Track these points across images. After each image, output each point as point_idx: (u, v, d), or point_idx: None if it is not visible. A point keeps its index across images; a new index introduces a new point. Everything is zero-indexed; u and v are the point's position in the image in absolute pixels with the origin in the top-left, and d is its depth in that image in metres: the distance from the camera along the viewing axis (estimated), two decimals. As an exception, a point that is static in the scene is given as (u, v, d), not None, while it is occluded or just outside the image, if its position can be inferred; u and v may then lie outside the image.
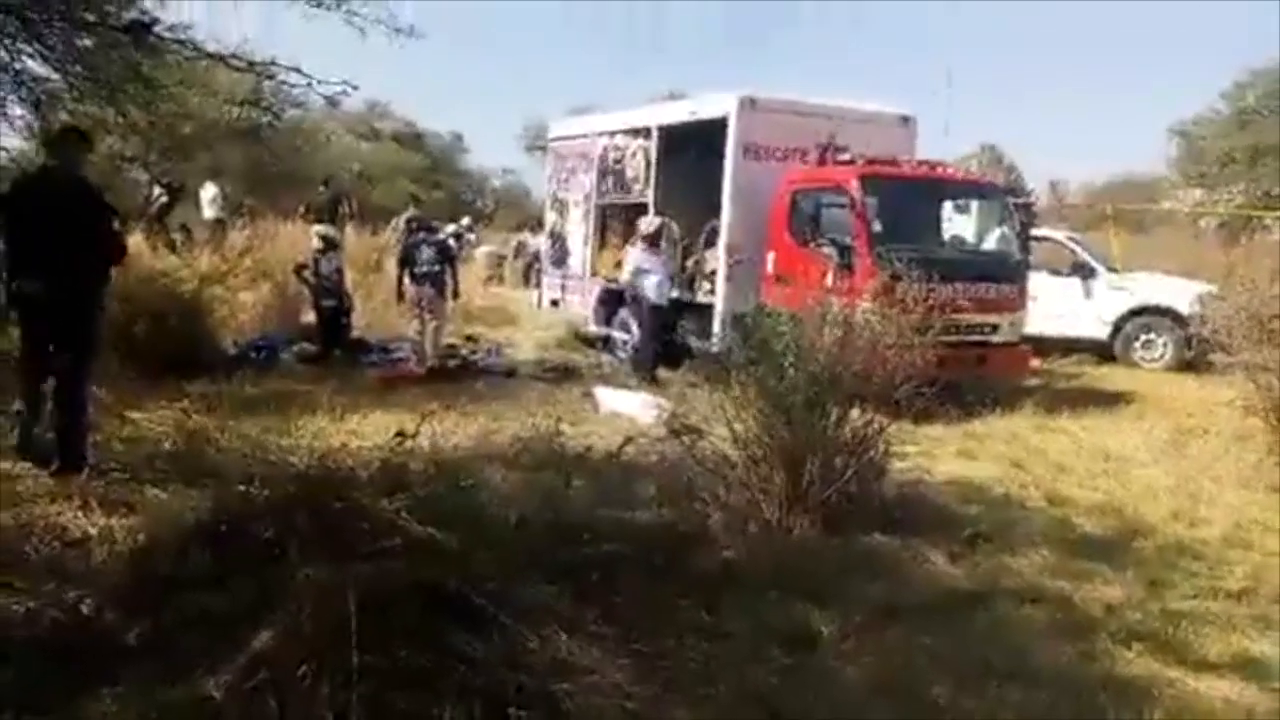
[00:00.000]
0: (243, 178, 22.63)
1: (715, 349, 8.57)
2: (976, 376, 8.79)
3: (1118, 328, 12.89)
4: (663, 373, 9.82)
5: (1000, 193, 11.77)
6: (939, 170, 10.54)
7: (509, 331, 12.65)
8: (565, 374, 10.11)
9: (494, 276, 19.42)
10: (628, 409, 8.07)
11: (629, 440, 5.17)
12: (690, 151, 10.78)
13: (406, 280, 10.25)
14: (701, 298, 10.60)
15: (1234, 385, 7.98)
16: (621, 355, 10.97)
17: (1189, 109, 29.26)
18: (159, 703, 2.91)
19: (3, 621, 3.51)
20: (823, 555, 4.82)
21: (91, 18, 6.26)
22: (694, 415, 5.77)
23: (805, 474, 5.14)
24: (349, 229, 16.45)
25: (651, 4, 61.49)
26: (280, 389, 8.47)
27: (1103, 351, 12.88)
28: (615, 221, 12.29)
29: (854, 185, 9.22)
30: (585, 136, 12.90)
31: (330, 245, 10.91)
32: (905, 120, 10.93)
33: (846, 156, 9.76)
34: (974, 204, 11.61)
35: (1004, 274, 9.72)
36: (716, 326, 9.83)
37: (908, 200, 9.63)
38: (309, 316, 10.92)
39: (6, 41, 6.58)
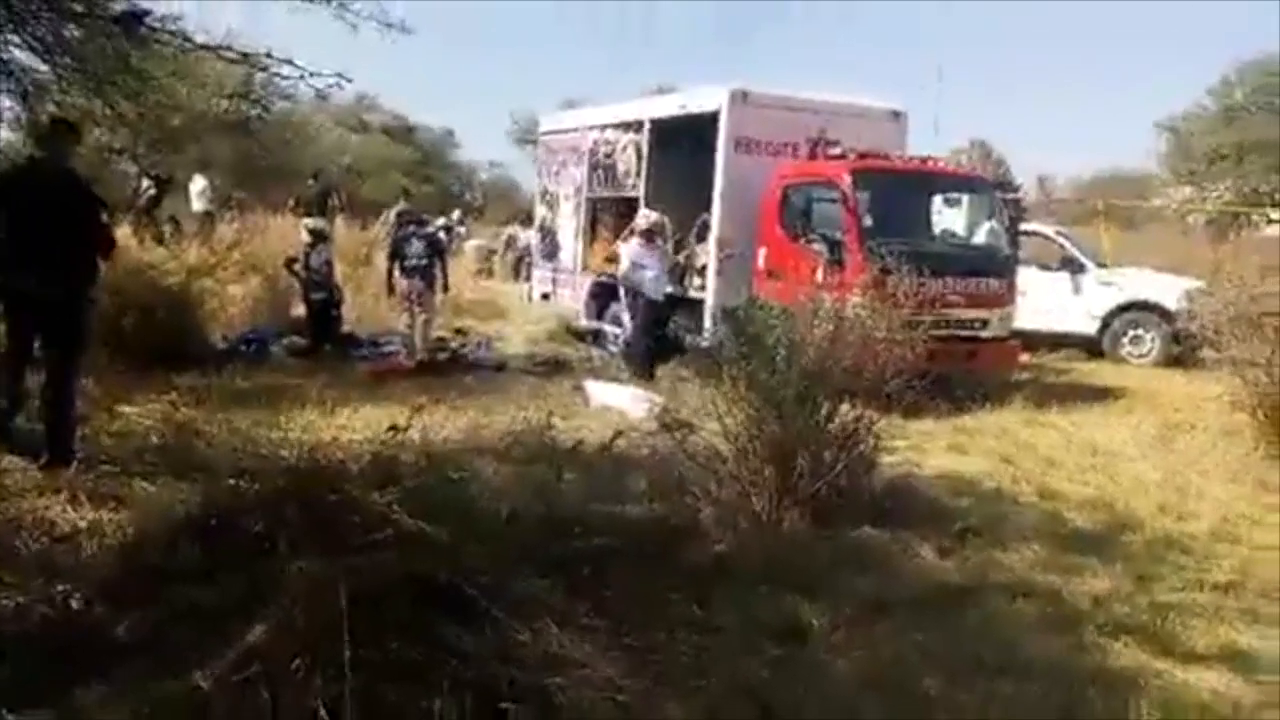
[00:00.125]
0: (232, 170, 22.52)
1: (706, 343, 8.57)
2: (966, 371, 8.83)
3: (1106, 323, 12.94)
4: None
5: (990, 187, 11.82)
6: (929, 165, 10.56)
7: (499, 325, 12.62)
8: (555, 368, 10.09)
9: (484, 270, 19.38)
10: (618, 403, 8.07)
11: (620, 434, 5.17)
12: (681, 145, 10.77)
13: (397, 273, 10.22)
14: (692, 292, 10.59)
15: (1221, 380, 8.02)
16: (613, 349, 10.96)
17: (1177, 105, 29.43)
18: (151, 697, 2.89)
19: (-8, 616, 3.49)
20: (813, 549, 4.83)
21: (80, 8, 6.20)
22: (685, 409, 5.78)
23: (796, 468, 5.15)
24: (338, 222, 16.40)
25: (642, 1, 61.33)
26: (270, 382, 8.44)
27: (1091, 347, 12.93)
28: (606, 215, 12.26)
29: (845, 180, 9.23)
30: (576, 130, 12.87)
31: (320, 238, 10.87)
32: (896, 115, 10.93)
33: (837, 151, 9.77)
34: (964, 199, 11.64)
35: (993, 269, 9.74)
36: (707, 321, 9.84)
37: (898, 195, 9.63)
38: (299, 310, 10.88)
39: (-7, 31, 6.53)
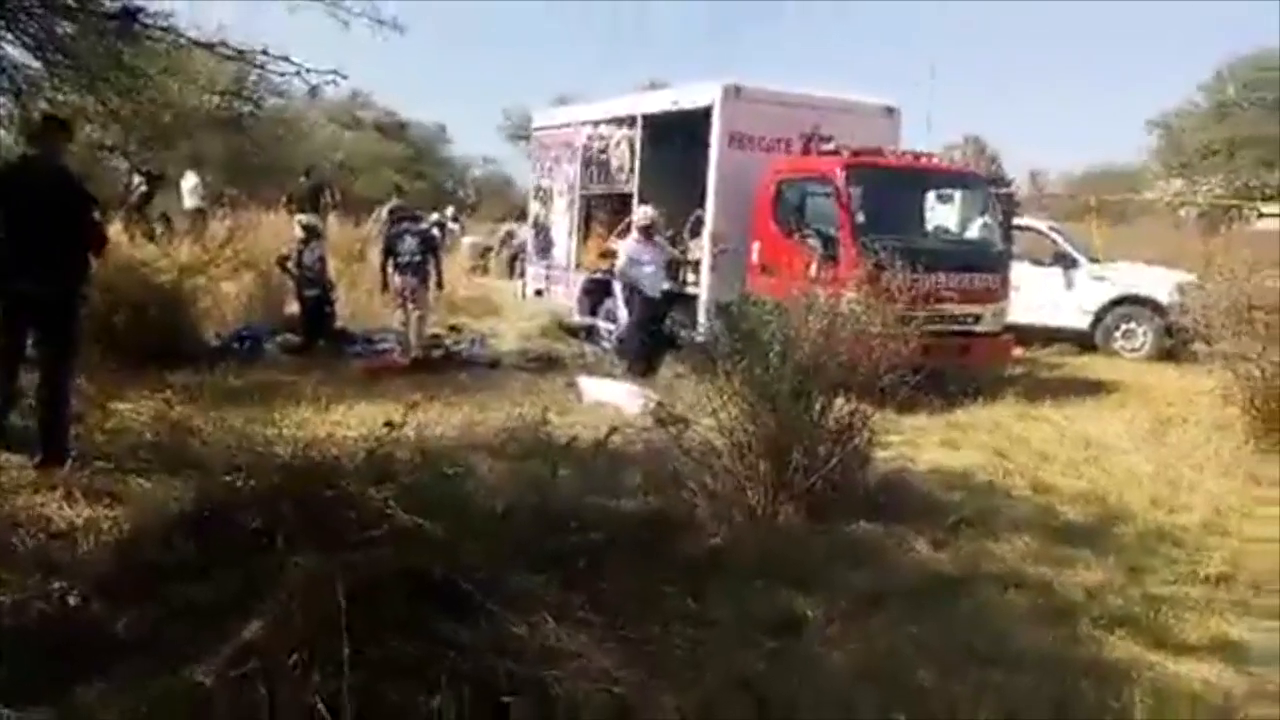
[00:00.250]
0: (223, 167, 22.49)
1: (700, 338, 8.58)
2: (960, 366, 8.85)
3: (1098, 317, 12.97)
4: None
5: (983, 183, 11.85)
6: (923, 160, 10.58)
7: (493, 322, 12.62)
8: (549, 364, 10.09)
9: (478, 267, 19.35)
10: (612, 399, 8.08)
11: (615, 429, 5.18)
12: (675, 141, 10.77)
13: (391, 270, 10.21)
14: (687, 288, 10.60)
15: (1213, 374, 8.07)
16: (606, 345, 10.97)
17: (1168, 102, 29.51)
18: (150, 694, 2.90)
19: (-11, 613, 3.50)
20: (808, 542, 4.86)
21: (73, 3, 6.18)
22: (680, 404, 5.79)
23: (790, 462, 5.17)
24: (331, 219, 16.37)
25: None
26: (264, 380, 8.43)
27: (1084, 341, 12.96)
28: (600, 211, 12.27)
29: (839, 175, 9.24)
30: (569, 126, 12.86)
31: (313, 235, 10.85)
32: (889, 111, 10.94)
33: (831, 146, 9.79)
34: (957, 194, 11.69)
35: (987, 264, 9.77)
36: (701, 316, 9.85)
37: (892, 190, 9.66)
38: (292, 307, 10.87)
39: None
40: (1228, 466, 6.88)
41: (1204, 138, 26.83)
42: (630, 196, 11.17)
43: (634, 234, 10.20)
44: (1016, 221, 11.47)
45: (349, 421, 6.66)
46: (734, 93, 10.05)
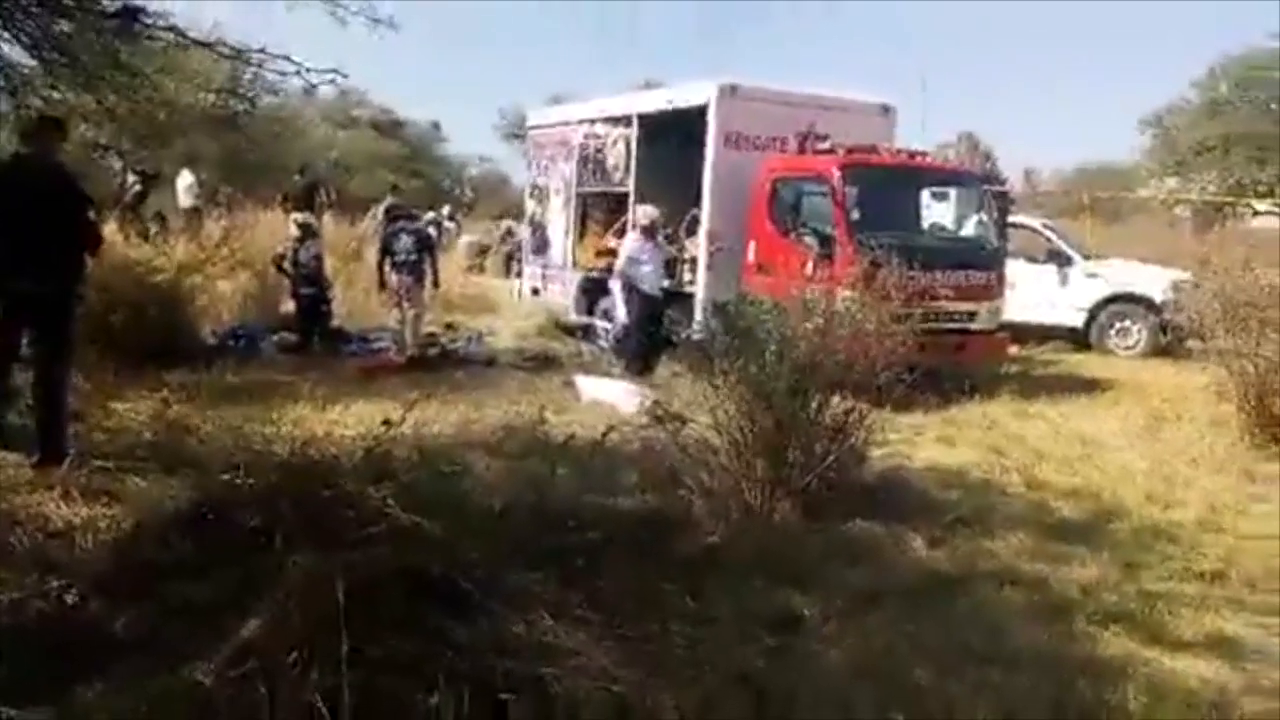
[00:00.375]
0: (219, 165, 22.44)
1: (697, 337, 8.59)
2: (956, 363, 8.86)
3: (1093, 315, 13.01)
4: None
5: (978, 181, 11.87)
6: (918, 159, 10.60)
7: (489, 320, 12.60)
8: (545, 363, 10.09)
9: (474, 266, 19.32)
10: (609, 397, 8.08)
11: (612, 428, 5.18)
12: (670, 140, 10.77)
13: (388, 269, 10.20)
14: (684, 287, 10.61)
15: (1208, 371, 8.10)
16: (603, 344, 10.97)
17: (1161, 100, 29.55)
18: (150, 693, 2.90)
19: (-12, 612, 3.49)
20: (805, 540, 4.87)
21: (71, 2, 6.16)
22: (676, 403, 5.80)
23: (787, 460, 5.19)
24: (327, 218, 16.34)
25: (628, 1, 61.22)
26: (260, 379, 8.43)
27: (1078, 338, 13.01)
28: (596, 210, 12.27)
29: (835, 174, 9.26)
30: (565, 125, 12.85)
31: (308, 233, 10.83)
32: (885, 109, 10.96)
33: (826, 145, 9.80)
34: (952, 192, 11.70)
35: (982, 261, 9.79)
36: (697, 314, 9.85)
37: (887, 189, 9.66)
38: (289, 306, 10.86)
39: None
40: (1222, 463, 6.92)
41: (1197, 135, 26.88)
42: (626, 195, 11.18)
43: (635, 233, 10.20)
44: (1011, 219, 11.49)
45: (346, 420, 6.66)
46: (729, 92, 10.06)
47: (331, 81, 6.31)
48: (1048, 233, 13.86)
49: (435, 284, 10.49)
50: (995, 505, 5.81)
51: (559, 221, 12.82)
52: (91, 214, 6.02)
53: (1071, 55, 63.04)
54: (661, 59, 60.02)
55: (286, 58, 6.02)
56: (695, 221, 10.49)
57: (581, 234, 12.41)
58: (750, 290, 8.00)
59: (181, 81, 11.50)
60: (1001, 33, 63.43)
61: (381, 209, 15.84)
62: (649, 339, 9.81)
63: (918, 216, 10.47)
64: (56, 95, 7.55)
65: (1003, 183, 15.68)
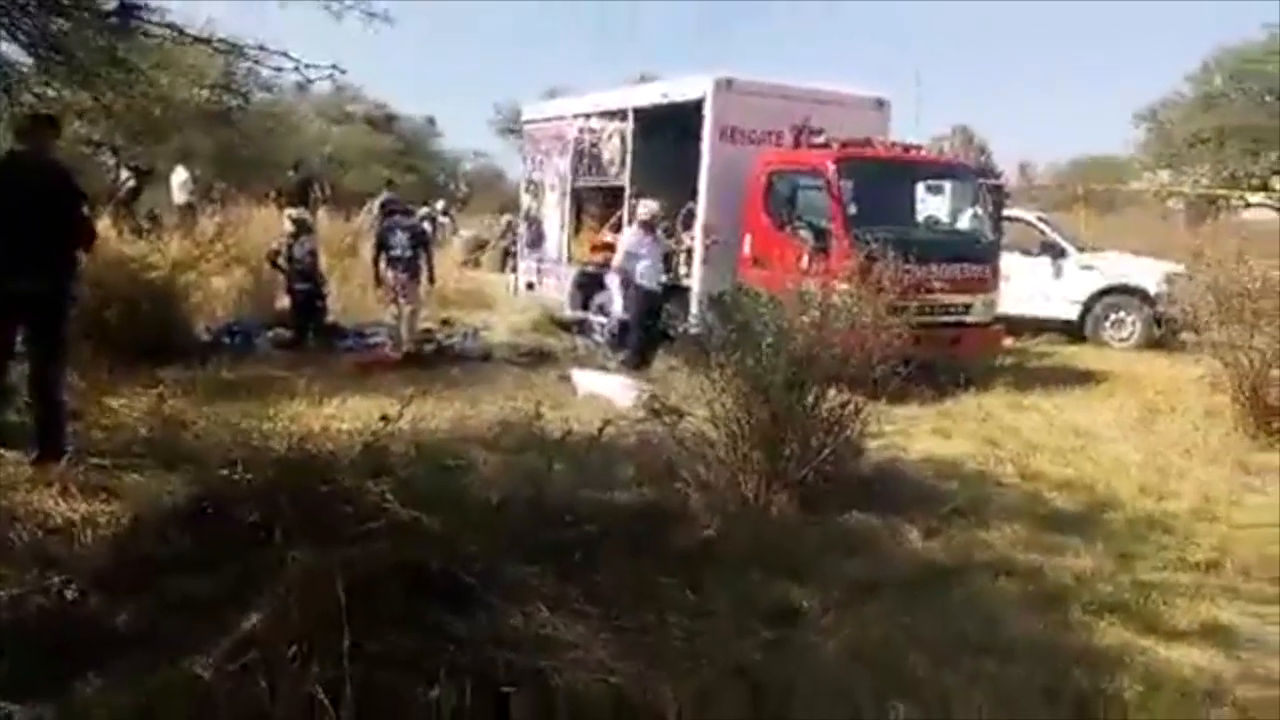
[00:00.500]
0: (213, 161, 22.36)
1: (693, 330, 8.60)
2: (951, 356, 8.89)
3: (1087, 307, 13.04)
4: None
5: (972, 174, 11.88)
6: (913, 152, 10.61)
7: (484, 316, 12.60)
8: (541, 358, 10.11)
9: (470, 261, 19.29)
10: (606, 391, 8.09)
11: (609, 422, 5.20)
12: (666, 134, 10.77)
13: (383, 264, 10.19)
14: (681, 281, 10.61)
15: (1202, 363, 8.13)
16: (599, 339, 10.97)
17: (1155, 94, 29.58)
18: (149, 687, 2.91)
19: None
20: (802, 532, 4.89)
21: (68, 1, 6.14)
22: (673, 396, 5.81)
23: (784, 453, 5.20)
24: (321, 213, 16.31)
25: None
26: (256, 374, 8.42)
27: (1072, 331, 13.04)
28: (591, 205, 12.27)
29: (830, 168, 9.27)
30: (560, 119, 12.85)
31: (302, 229, 10.81)
32: (880, 103, 10.97)
33: (821, 139, 9.81)
34: (947, 185, 11.72)
35: (977, 254, 9.81)
36: (694, 308, 9.87)
37: (883, 182, 9.68)
38: (284, 302, 10.84)
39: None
40: (1216, 454, 6.95)
41: (1191, 128, 26.89)
42: (621, 190, 11.18)
43: (635, 227, 10.19)
44: (1006, 212, 11.52)
45: (342, 416, 6.66)
46: (725, 85, 10.06)
47: (330, 77, 6.28)
48: (1042, 226, 13.89)
49: (431, 280, 10.48)
50: (990, 496, 5.83)
51: (554, 216, 12.81)
52: (85, 210, 6.00)
53: (1066, 49, 63.17)
54: (658, 54, 59.92)
55: (284, 54, 6.00)
56: (691, 215, 10.49)
57: (577, 229, 12.41)
58: (746, 283, 8.00)
59: (176, 77, 11.44)
60: (996, 27, 63.53)
61: (377, 204, 15.81)
62: (646, 333, 9.82)
63: (913, 210, 10.49)
64: (51, 92, 7.52)
65: (997, 176, 15.69)
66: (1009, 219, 12.12)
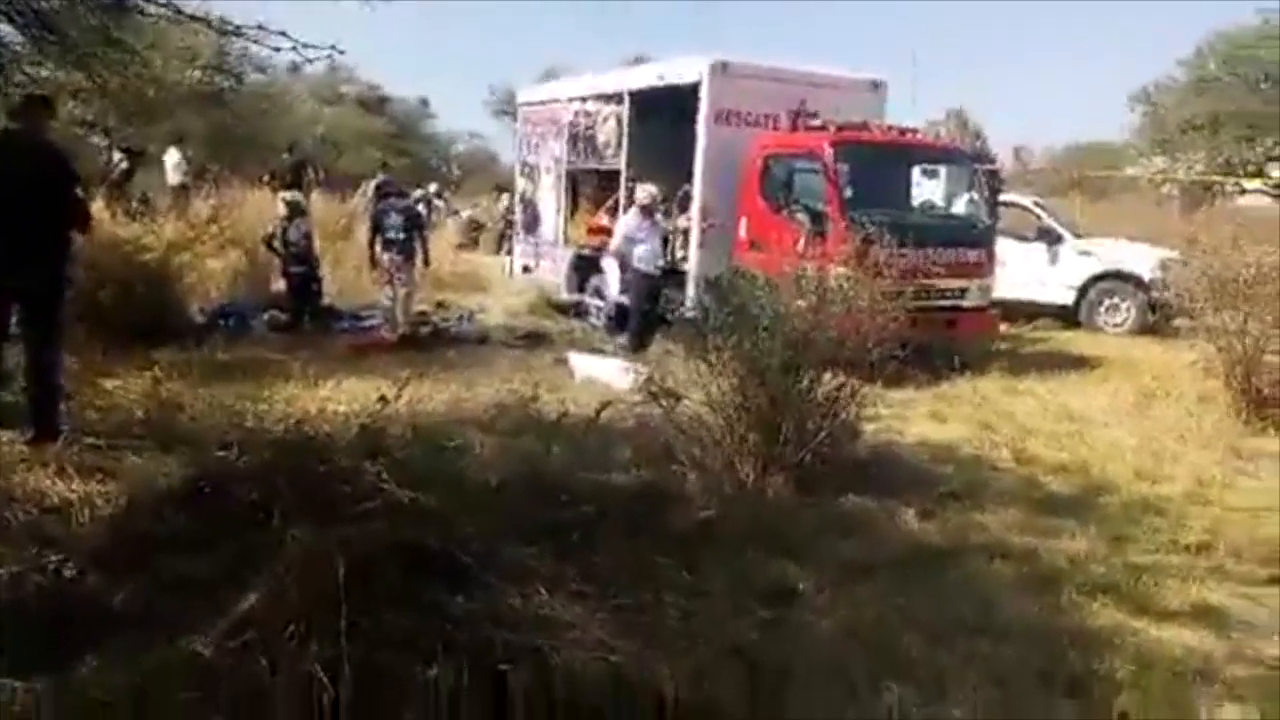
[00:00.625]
0: (205, 143, 22.25)
1: (690, 314, 8.60)
2: (946, 340, 8.91)
3: (1082, 292, 13.05)
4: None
5: (968, 159, 11.86)
6: (909, 136, 10.59)
7: (480, 298, 12.59)
8: (537, 340, 10.11)
9: (466, 243, 19.21)
10: (603, 375, 8.09)
11: (606, 404, 5.21)
12: (662, 116, 10.73)
13: (378, 246, 10.17)
14: (677, 264, 10.61)
15: (1196, 348, 8.15)
16: (595, 322, 10.96)
17: (1151, 76, 29.50)
18: (146, 666, 2.92)
19: (-16, 586, 3.50)
20: (798, 514, 4.92)
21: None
22: (670, 379, 5.82)
23: (780, 436, 5.22)
24: (315, 195, 16.24)
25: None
26: (251, 357, 8.41)
27: (1067, 316, 13.06)
28: (587, 187, 12.24)
29: (826, 151, 9.25)
30: (555, 102, 12.81)
31: (296, 211, 10.76)
32: (875, 85, 10.93)
33: (817, 122, 9.79)
34: (943, 170, 11.71)
35: (972, 239, 9.81)
36: (690, 291, 9.87)
37: (879, 165, 9.66)
38: (279, 284, 10.82)
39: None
40: (1209, 438, 6.98)
41: (1185, 113, 26.86)
42: (617, 172, 11.15)
43: (634, 211, 10.17)
44: (1001, 197, 11.51)
45: (338, 398, 6.67)
46: (721, 68, 10.02)
47: (329, 58, 6.22)
48: (1038, 211, 13.89)
49: (426, 262, 10.46)
50: (985, 480, 5.86)
51: (550, 199, 12.79)
52: (80, 192, 5.97)
53: (1062, 33, 62.98)
54: (652, 34, 59.55)
55: (283, 33, 5.95)
56: (687, 198, 10.48)
57: (573, 211, 12.39)
58: (742, 266, 8.00)
59: (169, 58, 11.36)
60: (993, 10, 63.24)
61: (371, 186, 15.74)
62: (645, 318, 9.82)
63: (909, 194, 10.47)
64: (44, 73, 7.46)
65: (993, 160, 15.70)
66: (1005, 204, 12.12)
